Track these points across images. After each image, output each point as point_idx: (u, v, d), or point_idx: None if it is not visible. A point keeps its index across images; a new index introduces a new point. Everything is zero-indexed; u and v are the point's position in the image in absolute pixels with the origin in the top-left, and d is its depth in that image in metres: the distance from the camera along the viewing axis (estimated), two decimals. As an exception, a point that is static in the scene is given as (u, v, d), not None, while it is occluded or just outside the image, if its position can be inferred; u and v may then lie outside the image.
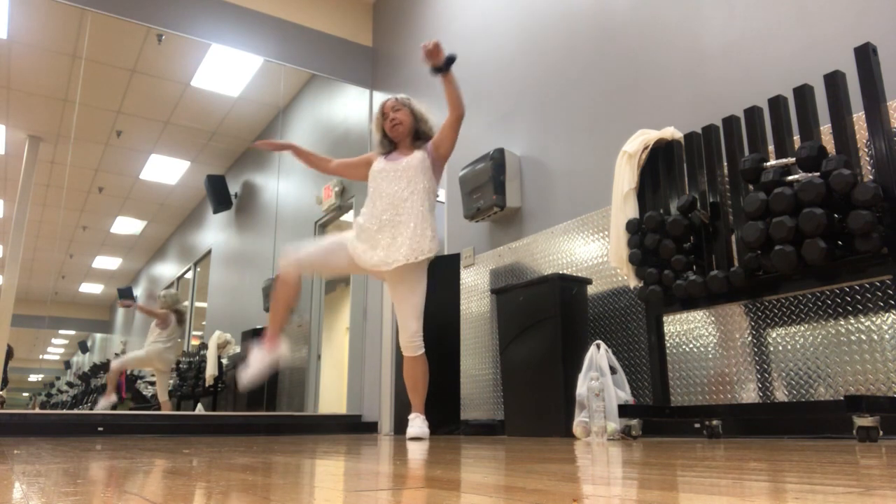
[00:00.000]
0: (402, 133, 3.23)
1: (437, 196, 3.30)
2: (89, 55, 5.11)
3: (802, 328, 2.44)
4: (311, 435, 4.21)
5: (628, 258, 2.77)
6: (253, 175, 6.14)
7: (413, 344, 3.12)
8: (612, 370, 2.76)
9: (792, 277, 2.23)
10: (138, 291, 5.82)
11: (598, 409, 2.65)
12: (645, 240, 2.68)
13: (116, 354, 5.50)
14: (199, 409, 5.61)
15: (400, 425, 4.50)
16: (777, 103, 2.35)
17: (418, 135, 3.26)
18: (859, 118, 2.31)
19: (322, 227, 5.94)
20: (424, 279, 3.17)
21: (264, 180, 6.08)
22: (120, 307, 5.66)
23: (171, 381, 5.64)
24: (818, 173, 2.09)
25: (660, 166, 2.78)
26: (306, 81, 6.16)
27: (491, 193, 4.00)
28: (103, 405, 5.11)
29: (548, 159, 3.89)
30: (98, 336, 5.74)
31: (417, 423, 3.08)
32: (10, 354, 4.58)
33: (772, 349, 2.53)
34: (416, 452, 1.84)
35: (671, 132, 2.79)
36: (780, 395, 2.48)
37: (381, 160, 3.24)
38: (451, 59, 3.00)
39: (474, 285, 4.34)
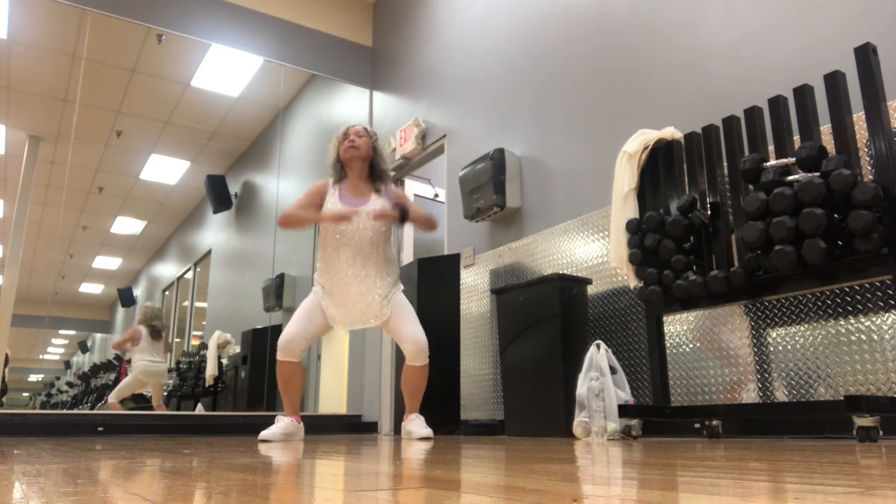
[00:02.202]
0: (355, 157, 3.16)
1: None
2: (89, 55, 5.11)
3: (802, 328, 2.44)
4: (311, 435, 4.21)
5: (628, 258, 2.77)
6: (253, 175, 6.14)
7: (424, 353, 3.14)
8: (612, 370, 2.76)
9: (792, 277, 2.23)
10: (138, 291, 5.82)
11: (598, 409, 2.65)
12: (645, 240, 2.68)
13: (116, 355, 5.50)
14: (199, 409, 5.61)
15: (400, 426, 4.50)
16: (777, 103, 2.35)
17: (373, 171, 3.20)
18: (859, 118, 2.31)
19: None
20: (404, 297, 3.24)
21: (264, 180, 6.08)
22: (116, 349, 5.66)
23: (171, 382, 5.64)
24: (818, 173, 2.09)
25: (660, 166, 2.78)
26: (306, 81, 6.16)
27: (491, 193, 4.00)
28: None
29: (548, 159, 3.89)
30: (98, 336, 5.73)
31: (422, 423, 3.13)
32: (6, 362, 4.58)
33: (772, 349, 2.53)
34: (416, 452, 1.84)
35: (671, 132, 2.79)
36: (780, 395, 2.48)
37: (334, 197, 3.13)
38: (402, 210, 3.10)
39: (474, 285, 4.34)
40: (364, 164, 3.20)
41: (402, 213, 3.08)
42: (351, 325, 3.17)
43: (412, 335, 3.10)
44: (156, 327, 5.45)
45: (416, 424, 3.12)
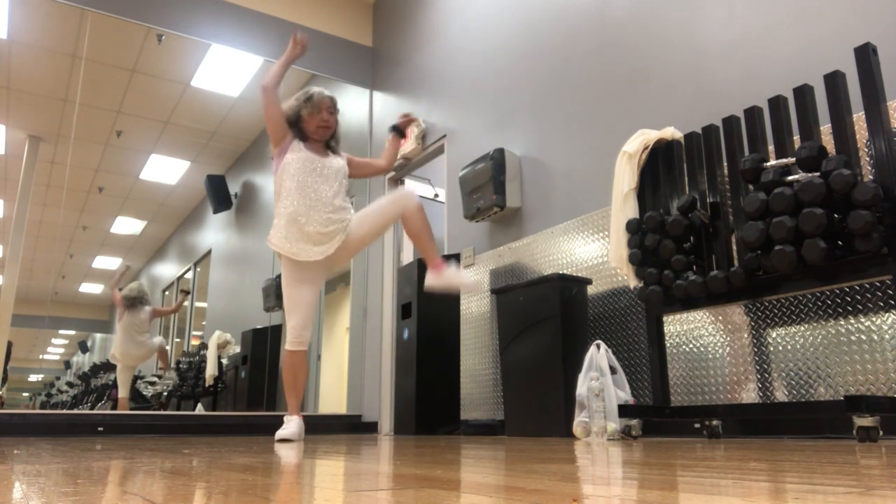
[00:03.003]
0: (321, 136, 3.23)
1: None
2: (89, 55, 5.11)
3: (802, 328, 2.44)
4: (311, 435, 4.21)
5: (628, 258, 2.77)
6: (253, 175, 6.14)
7: (407, 196, 3.19)
8: (612, 370, 2.76)
9: (792, 277, 2.23)
10: (138, 291, 5.81)
11: (598, 409, 2.65)
12: (645, 240, 2.68)
13: (115, 356, 5.50)
14: (199, 409, 5.61)
15: (400, 426, 4.50)
16: (777, 103, 2.35)
17: (328, 144, 3.31)
18: (859, 118, 2.31)
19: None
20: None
21: (264, 180, 6.08)
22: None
23: (171, 382, 5.63)
24: (818, 173, 2.09)
25: (660, 166, 2.78)
26: (306, 81, 6.16)
27: (491, 193, 4.00)
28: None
29: (548, 159, 3.89)
30: (98, 336, 5.73)
31: (457, 269, 3.14)
32: (9, 351, 4.57)
33: (772, 349, 2.53)
34: (417, 452, 1.84)
35: (671, 132, 2.79)
36: (780, 395, 2.48)
37: (301, 147, 3.16)
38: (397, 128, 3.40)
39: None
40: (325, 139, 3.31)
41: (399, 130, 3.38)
42: (311, 254, 3.10)
43: (388, 200, 3.16)
44: (132, 299, 5.37)
45: (454, 270, 3.08)
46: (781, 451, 1.57)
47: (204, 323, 6.00)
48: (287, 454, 1.81)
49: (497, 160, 4.02)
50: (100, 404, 5.49)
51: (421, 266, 4.48)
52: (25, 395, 5.44)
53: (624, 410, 2.58)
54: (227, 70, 5.72)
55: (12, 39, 4.92)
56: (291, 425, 3.03)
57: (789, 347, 2.48)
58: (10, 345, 4.53)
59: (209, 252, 6.13)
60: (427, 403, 4.15)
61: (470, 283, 3.05)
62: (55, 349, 5.53)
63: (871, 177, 2.10)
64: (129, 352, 5.31)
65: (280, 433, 3.00)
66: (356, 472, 1.17)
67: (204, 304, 6.06)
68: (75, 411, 5.02)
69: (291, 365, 3.09)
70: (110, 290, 5.49)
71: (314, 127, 3.19)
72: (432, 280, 3.10)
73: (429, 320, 4.40)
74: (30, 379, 5.43)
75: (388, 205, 3.15)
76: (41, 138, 5.08)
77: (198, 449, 2.14)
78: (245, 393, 5.53)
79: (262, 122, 6.14)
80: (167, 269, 6.08)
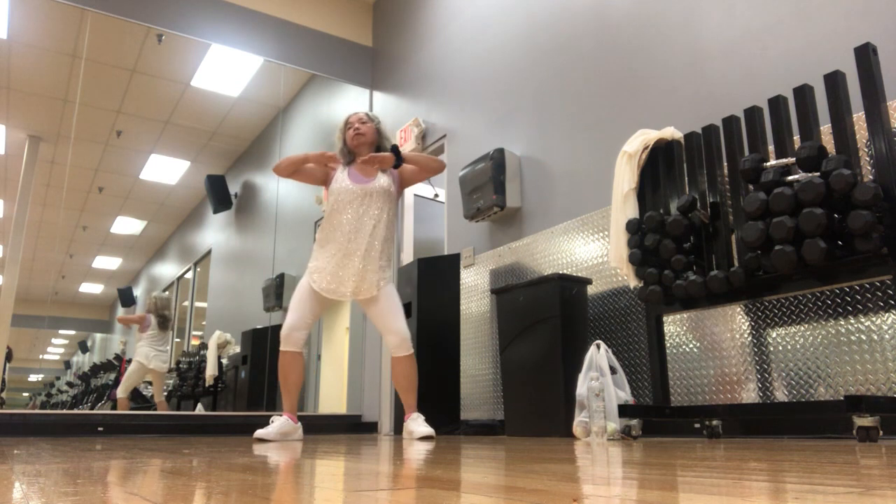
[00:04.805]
0: (362, 144, 3.27)
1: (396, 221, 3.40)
2: (89, 55, 5.11)
3: (802, 328, 2.44)
4: (311, 435, 4.21)
5: (628, 258, 2.77)
6: (253, 175, 6.14)
7: (408, 343, 3.22)
8: (612, 370, 2.76)
9: (792, 277, 2.23)
10: (138, 291, 5.82)
11: (598, 409, 2.65)
12: (645, 240, 2.67)
13: (116, 355, 5.50)
14: (199, 409, 5.61)
15: (400, 425, 4.50)
16: (777, 103, 2.35)
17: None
18: (859, 118, 2.31)
19: (322, 227, 5.93)
20: (394, 289, 3.28)
21: (264, 180, 6.08)
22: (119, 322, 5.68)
23: (171, 382, 5.64)
24: (818, 173, 2.09)
25: (660, 166, 2.78)
26: (306, 81, 6.16)
27: (491, 193, 3.99)
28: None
29: (548, 159, 3.89)
30: (98, 336, 5.73)
31: (423, 423, 3.14)
32: (9, 357, 4.57)
33: (772, 349, 2.53)
34: (417, 452, 1.84)
35: (671, 132, 2.79)
36: (780, 395, 2.48)
37: (343, 175, 3.25)
38: (395, 151, 3.18)
39: (474, 285, 4.34)
40: (371, 149, 3.31)
41: (396, 153, 3.17)
42: (341, 294, 3.19)
43: (397, 327, 3.18)
44: (165, 317, 5.49)
45: (417, 424, 3.13)
46: (781, 451, 1.57)
47: (204, 323, 5.99)
48: (276, 455, 1.80)
49: (497, 160, 4.02)
50: (100, 404, 5.49)
51: (421, 266, 4.48)
52: (25, 395, 5.44)
53: (624, 410, 2.58)
54: (227, 70, 5.71)
55: (12, 39, 4.92)
56: (274, 424, 3.02)
57: (789, 347, 2.48)
58: (9, 352, 4.53)
59: (209, 252, 6.13)
60: (427, 403, 4.14)
61: (425, 434, 3.08)
62: (55, 349, 5.52)
63: (871, 177, 2.10)
64: (158, 368, 5.38)
65: (258, 432, 2.99)
66: (356, 472, 1.17)
67: (204, 304, 6.06)
68: (75, 411, 5.02)
69: (281, 366, 3.15)
70: (125, 325, 5.55)
71: (351, 140, 3.28)
72: (405, 430, 3.21)
73: (429, 320, 4.40)
74: (30, 379, 5.43)
75: (394, 330, 3.19)
76: (41, 138, 5.08)
77: (198, 449, 2.14)
78: (245, 393, 5.53)
79: (262, 122, 6.15)
80: (167, 269, 6.07)
